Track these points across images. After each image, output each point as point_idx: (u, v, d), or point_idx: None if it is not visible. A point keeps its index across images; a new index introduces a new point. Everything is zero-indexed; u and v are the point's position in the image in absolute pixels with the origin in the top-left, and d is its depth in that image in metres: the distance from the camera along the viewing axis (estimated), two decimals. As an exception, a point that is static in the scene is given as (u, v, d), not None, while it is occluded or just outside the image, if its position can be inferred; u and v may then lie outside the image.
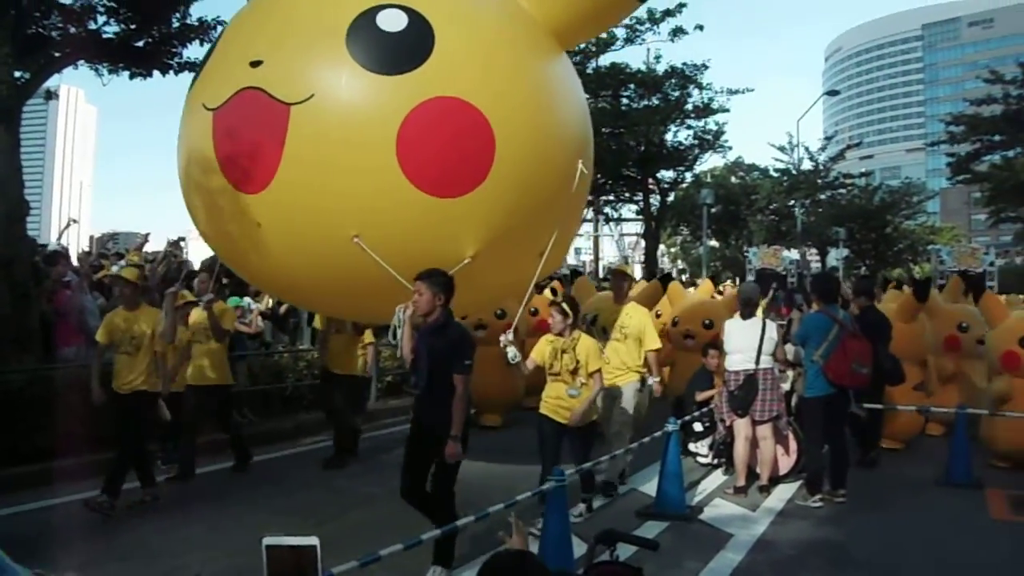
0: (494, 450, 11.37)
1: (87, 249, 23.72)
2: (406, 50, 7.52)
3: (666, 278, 14.44)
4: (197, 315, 10.67)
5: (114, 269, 14.65)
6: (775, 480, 10.41)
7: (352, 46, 7.48)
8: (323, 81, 7.47)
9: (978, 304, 12.62)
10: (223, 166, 7.74)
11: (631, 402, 10.16)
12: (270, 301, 15.25)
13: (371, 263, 7.48)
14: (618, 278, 11.07)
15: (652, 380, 10.43)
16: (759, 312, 10.46)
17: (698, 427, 11.39)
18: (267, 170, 7.46)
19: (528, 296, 9.75)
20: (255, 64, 7.55)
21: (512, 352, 8.11)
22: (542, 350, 8.92)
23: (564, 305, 8.93)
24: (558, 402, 8.82)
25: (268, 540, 3.30)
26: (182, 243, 18.07)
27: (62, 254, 14.33)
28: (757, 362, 10.07)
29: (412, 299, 7.19)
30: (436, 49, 7.52)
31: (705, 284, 18.14)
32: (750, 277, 30.06)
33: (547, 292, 15.92)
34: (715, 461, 11.38)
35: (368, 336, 12.09)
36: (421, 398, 7.38)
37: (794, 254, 31.56)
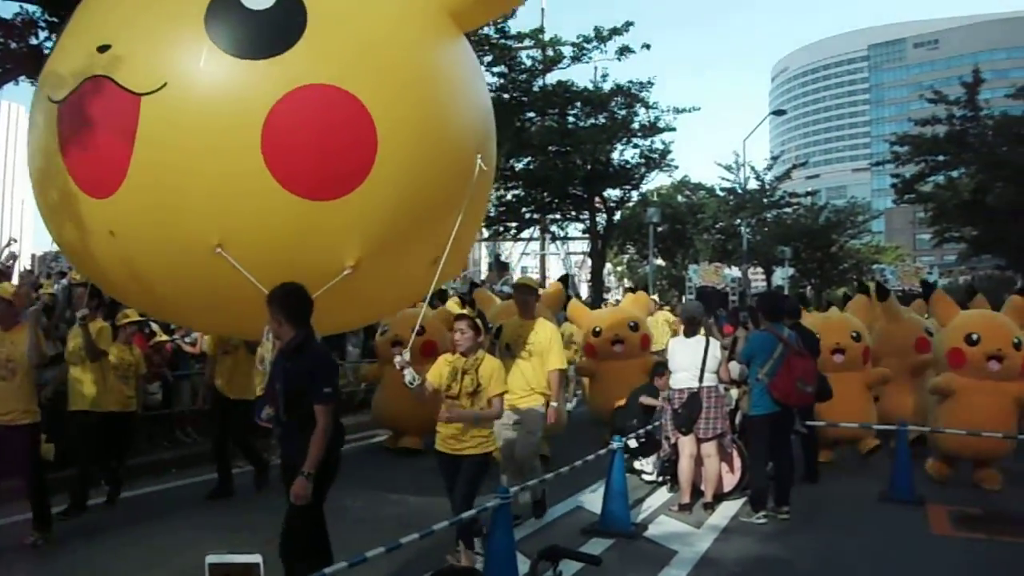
0: (434, 471, 11.30)
1: (29, 268, 23.47)
2: (274, 30, 6.58)
3: (565, 280, 14.08)
4: (73, 333, 9.83)
5: (55, 288, 14.51)
6: (719, 497, 10.44)
7: (212, 27, 6.50)
8: (178, 68, 6.49)
9: (928, 303, 12.78)
10: (69, 167, 6.77)
11: (537, 426, 9.44)
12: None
13: (240, 275, 6.57)
14: (523, 292, 10.07)
15: (553, 404, 9.40)
16: (701, 330, 10.52)
17: (633, 443, 11.26)
18: (116, 172, 6.50)
19: (422, 312, 9.05)
20: (103, 49, 6.55)
21: (410, 375, 7.11)
22: (439, 370, 7.69)
23: (477, 320, 7.90)
24: (450, 431, 7.66)
25: (211, 558, 3.29)
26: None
27: (3, 272, 14.14)
28: (700, 380, 10.11)
29: None
30: (309, 28, 6.60)
31: (636, 297, 17.25)
32: (690, 295, 30.25)
33: (452, 304, 15.59)
34: (660, 479, 11.40)
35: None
36: (281, 435, 6.46)
37: (735, 272, 31.70)
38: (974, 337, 11.66)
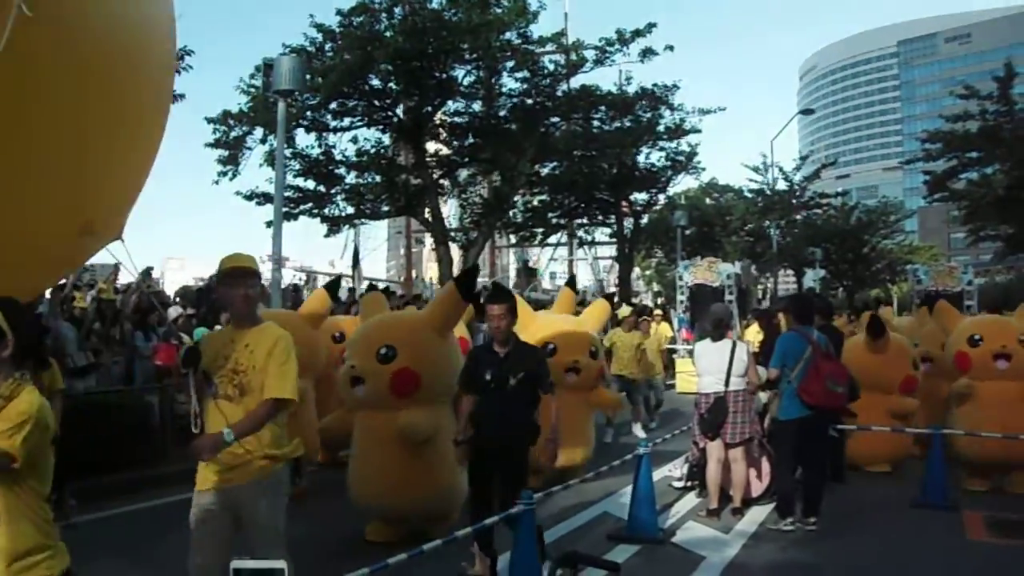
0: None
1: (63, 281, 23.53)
2: None
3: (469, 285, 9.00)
4: None
5: (87, 299, 14.54)
6: (748, 503, 10.32)
7: None
8: None
9: (932, 314, 12.60)
10: None
11: (274, 511, 5.32)
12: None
13: None
14: (232, 281, 5.38)
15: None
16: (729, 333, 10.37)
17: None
18: None
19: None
20: None
21: None
22: None
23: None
24: None
25: (236, 563, 3.27)
26: (152, 272, 17.89)
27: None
28: (727, 384, 9.97)
29: None
30: None
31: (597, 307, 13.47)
32: (680, 296, 29.88)
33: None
34: (688, 484, 11.29)
35: None
36: None
37: (733, 267, 30.81)
38: (976, 338, 11.58)
